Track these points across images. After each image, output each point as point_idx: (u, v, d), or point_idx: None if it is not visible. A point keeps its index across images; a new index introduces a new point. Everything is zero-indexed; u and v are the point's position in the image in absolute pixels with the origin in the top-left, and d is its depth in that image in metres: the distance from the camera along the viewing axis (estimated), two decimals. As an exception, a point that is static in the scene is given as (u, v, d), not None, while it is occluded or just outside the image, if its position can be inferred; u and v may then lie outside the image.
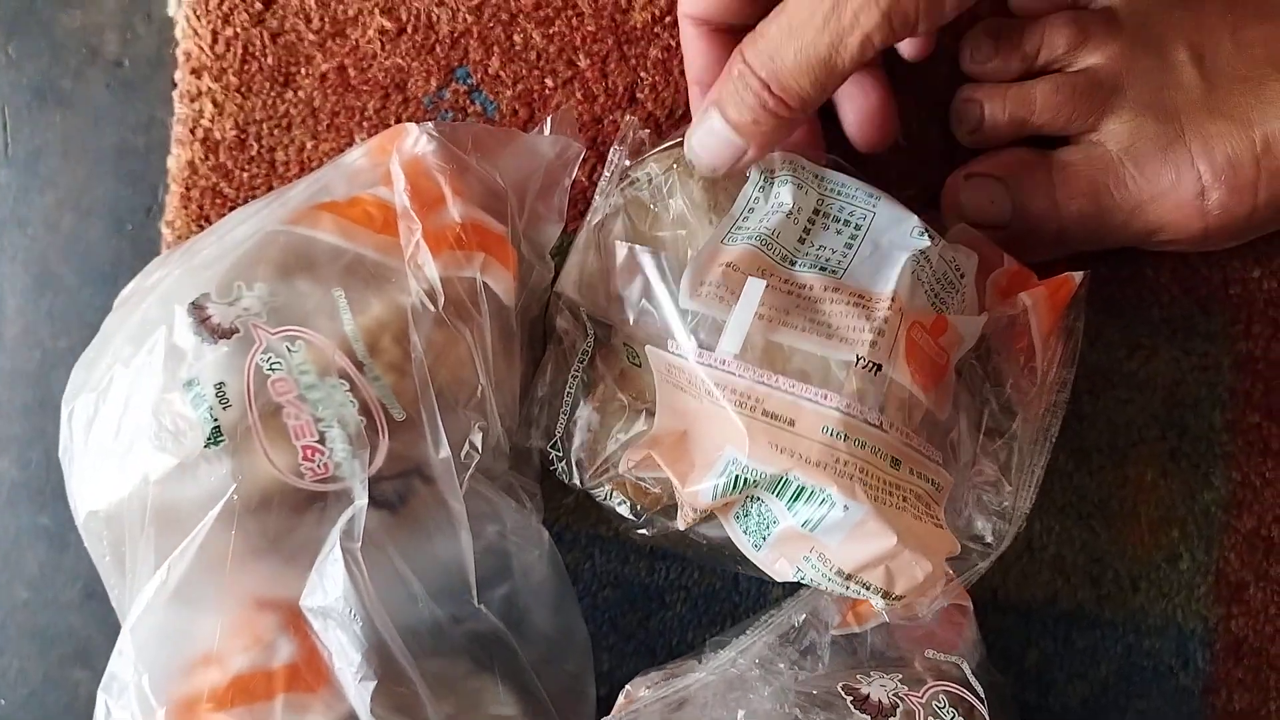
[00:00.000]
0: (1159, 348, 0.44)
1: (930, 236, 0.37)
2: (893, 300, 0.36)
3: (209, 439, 0.32)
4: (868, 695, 0.35)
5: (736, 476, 0.35)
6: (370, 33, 0.45)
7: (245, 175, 0.45)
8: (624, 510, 0.40)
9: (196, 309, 0.33)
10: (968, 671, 0.38)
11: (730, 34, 0.38)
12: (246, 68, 0.45)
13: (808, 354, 0.35)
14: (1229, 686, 0.43)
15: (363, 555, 0.34)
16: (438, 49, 0.45)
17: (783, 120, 0.35)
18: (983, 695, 0.37)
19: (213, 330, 0.33)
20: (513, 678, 0.38)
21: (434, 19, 0.45)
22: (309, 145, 0.45)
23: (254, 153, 0.45)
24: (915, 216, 0.38)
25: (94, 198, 0.47)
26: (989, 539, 0.37)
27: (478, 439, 0.36)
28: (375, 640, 0.34)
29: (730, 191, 0.39)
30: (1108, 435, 0.44)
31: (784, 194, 0.37)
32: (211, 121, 0.45)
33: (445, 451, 0.34)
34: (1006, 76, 0.42)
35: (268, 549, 0.34)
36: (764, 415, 0.35)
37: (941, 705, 0.36)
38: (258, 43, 0.45)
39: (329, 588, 0.33)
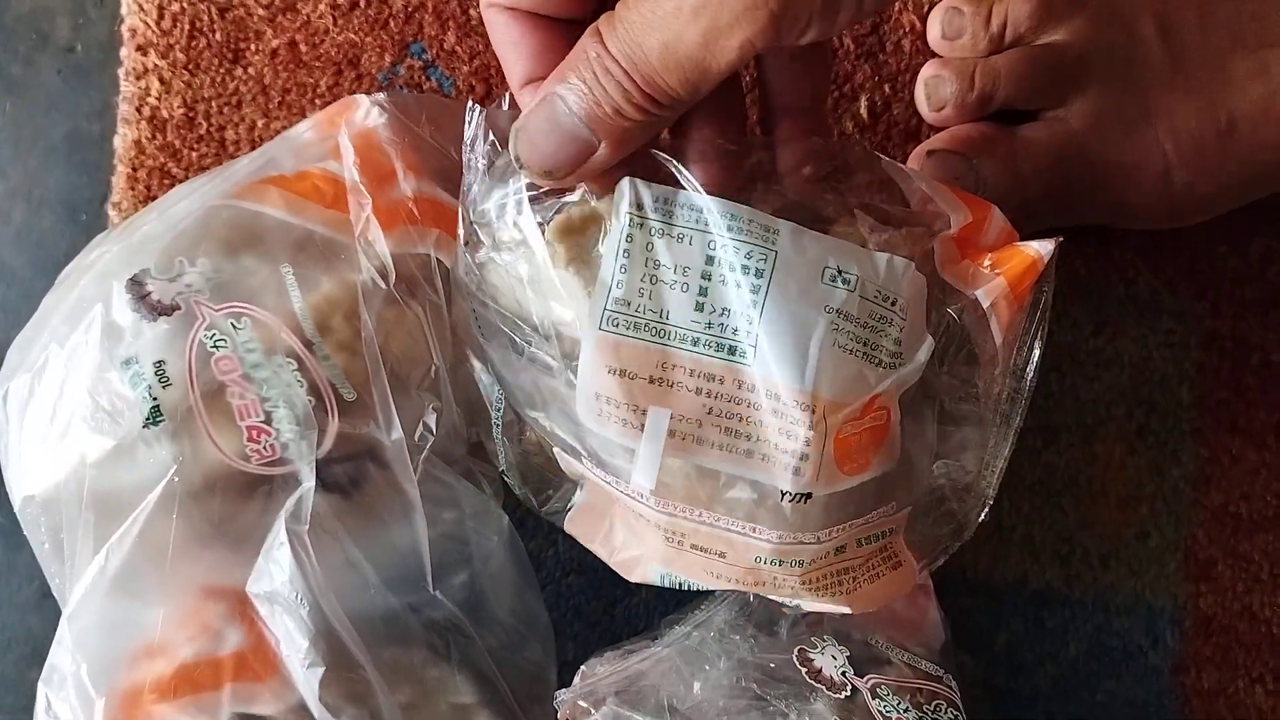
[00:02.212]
0: (1126, 325, 0.43)
1: (845, 281, 0.30)
2: (812, 407, 0.30)
3: (148, 419, 0.31)
4: (820, 668, 0.35)
5: (679, 582, 0.35)
6: (322, 7, 0.44)
7: (194, 155, 0.44)
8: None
9: (135, 285, 0.32)
10: (926, 665, 0.38)
11: (557, 24, 0.31)
12: (194, 44, 0.44)
13: (732, 478, 0.31)
14: (1198, 664, 0.43)
15: (312, 540, 0.33)
16: (391, 24, 0.44)
17: (649, 120, 0.29)
18: (940, 676, 0.37)
19: (152, 307, 0.32)
20: (471, 666, 0.37)
21: (388, -7, 0.44)
22: (260, 123, 0.44)
23: (203, 131, 0.44)
24: (829, 250, 0.30)
25: (46, 187, 0.45)
26: (958, 514, 0.35)
27: (432, 420, 0.35)
28: (324, 626, 0.33)
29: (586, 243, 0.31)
30: (1075, 413, 0.43)
31: (661, 252, 0.30)
32: (159, 100, 0.44)
33: (397, 433, 0.33)
34: (972, 53, 0.42)
35: (213, 535, 0.33)
36: (692, 548, 0.33)
37: (886, 693, 0.35)
38: (205, 18, 0.44)
39: (275, 573, 0.32)
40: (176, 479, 0.31)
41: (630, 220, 0.30)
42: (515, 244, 0.31)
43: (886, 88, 0.44)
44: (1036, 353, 0.33)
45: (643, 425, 0.30)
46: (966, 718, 0.36)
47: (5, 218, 0.45)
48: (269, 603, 0.33)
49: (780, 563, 0.32)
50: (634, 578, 0.35)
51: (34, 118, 0.45)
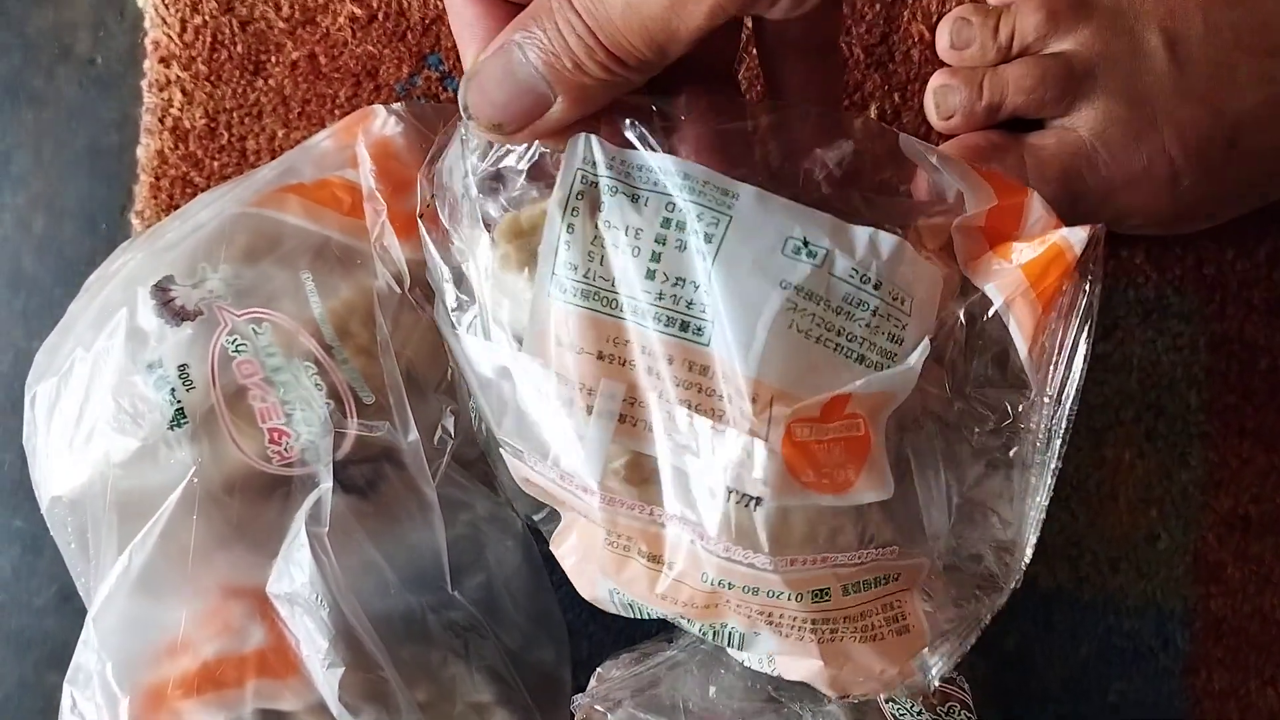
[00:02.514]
0: (1134, 329, 0.44)
1: (811, 254, 0.26)
2: (755, 395, 0.26)
3: (172, 421, 0.32)
4: None
5: (629, 603, 0.31)
6: (341, 20, 0.44)
7: (215, 164, 0.44)
8: None
9: (160, 291, 0.33)
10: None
11: (514, 8, 0.28)
12: (216, 56, 0.45)
13: (680, 472, 0.27)
14: (1209, 666, 0.43)
15: (331, 541, 0.33)
16: (409, 36, 0.44)
17: (613, 79, 0.26)
18: (953, 677, 0.37)
19: (176, 312, 0.33)
20: (488, 666, 0.38)
21: (405, 5, 0.44)
22: (280, 133, 0.44)
23: (224, 141, 0.44)
24: (795, 218, 0.27)
25: (67, 197, 0.46)
26: (994, 570, 0.30)
27: (450, 423, 0.35)
28: (344, 627, 0.33)
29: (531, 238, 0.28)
30: (1084, 417, 0.44)
31: (612, 212, 0.27)
32: (181, 110, 0.45)
33: (414, 435, 0.34)
34: (981, 62, 0.42)
35: (233, 536, 0.33)
36: (640, 555, 0.29)
37: (899, 695, 0.35)
38: (227, 31, 0.45)
39: (295, 574, 0.33)
40: (197, 480, 0.32)
41: (580, 177, 0.27)
42: (473, 237, 0.29)
43: (896, 96, 0.44)
44: (1079, 370, 0.27)
45: (589, 407, 0.27)
46: (978, 719, 0.36)
47: (27, 227, 0.46)
48: (289, 604, 0.34)
49: (731, 586, 0.28)
50: (585, 593, 0.32)
51: (55, 129, 0.46)
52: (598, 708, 0.35)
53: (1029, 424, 0.28)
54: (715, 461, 0.26)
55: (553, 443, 0.28)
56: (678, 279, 0.26)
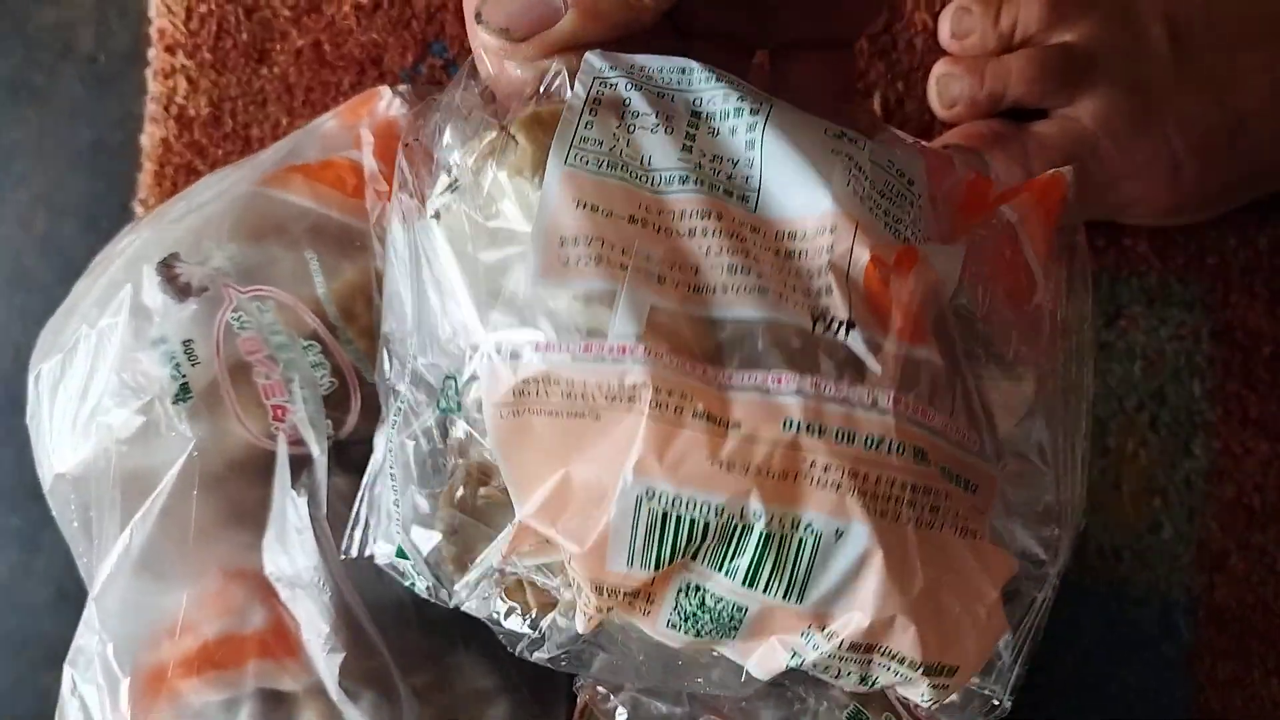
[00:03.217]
0: (1137, 318, 0.44)
1: (851, 139, 0.26)
2: (834, 225, 0.24)
3: (176, 396, 0.32)
4: None
5: (664, 516, 0.23)
6: (345, 8, 0.45)
7: (220, 152, 0.45)
8: (514, 623, 0.28)
9: (165, 268, 0.33)
10: None
11: None
12: (221, 44, 0.45)
13: (740, 325, 0.24)
14: (1213, 655, 0.42)
15: (332, 521, 0.33)
16: (413, 24, 0.45)
17: (629, 7, 0.25)
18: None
19: (181, 289, 0.33)
20: (490, 652, 0.37)
21: (410, -6, 0.45)
22: (284, 121, 0.45)
23: (229, 129, 0.45)
24: (827, 117, 0.26)
25: (68, 195, 0.46)
26: (1040, 553, 0.27)
27: (452, 405, 0.35)
28: (344, 610, 0.33)
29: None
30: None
31: (638, 103, 0.25)
32: (185, 98, 0.45)
33: (418, 415, 0.34)
34: (983, 51, 0.42)
35: (236, 515, 0.33)
36: (695, 418, 0.23)
37: None
38: (232, 19, 0.45)
39: (296, 556, 0.33)
40: (199, 456, 0.32)
41: (598, 82, 0.25)
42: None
43: (900, 85, 0.44)
44: (1089, 307, 0.28)
45: (624, 265, 0.24)
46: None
47: (28, 225, 0.46)
48: (290, 586, 0.34)
49: (821, 431, 0.23)
50: (591, 538, 0.24)
51: (57, 126, 0.46)
52: (600, 690, 0.35)
53: (1045, 366, 0.27)
54: (785, 305, 0.24)
55: (570, 321, 0.24)
56: (715, 156, 0.25)
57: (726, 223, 0.24)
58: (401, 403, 0.28)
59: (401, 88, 0.37)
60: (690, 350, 0.24)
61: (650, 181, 0.25)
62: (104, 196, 0.46)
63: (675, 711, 0.35)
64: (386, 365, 0.29)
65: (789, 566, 0.24)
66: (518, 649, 0.29)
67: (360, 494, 0.29)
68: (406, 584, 0.29)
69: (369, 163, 0.35)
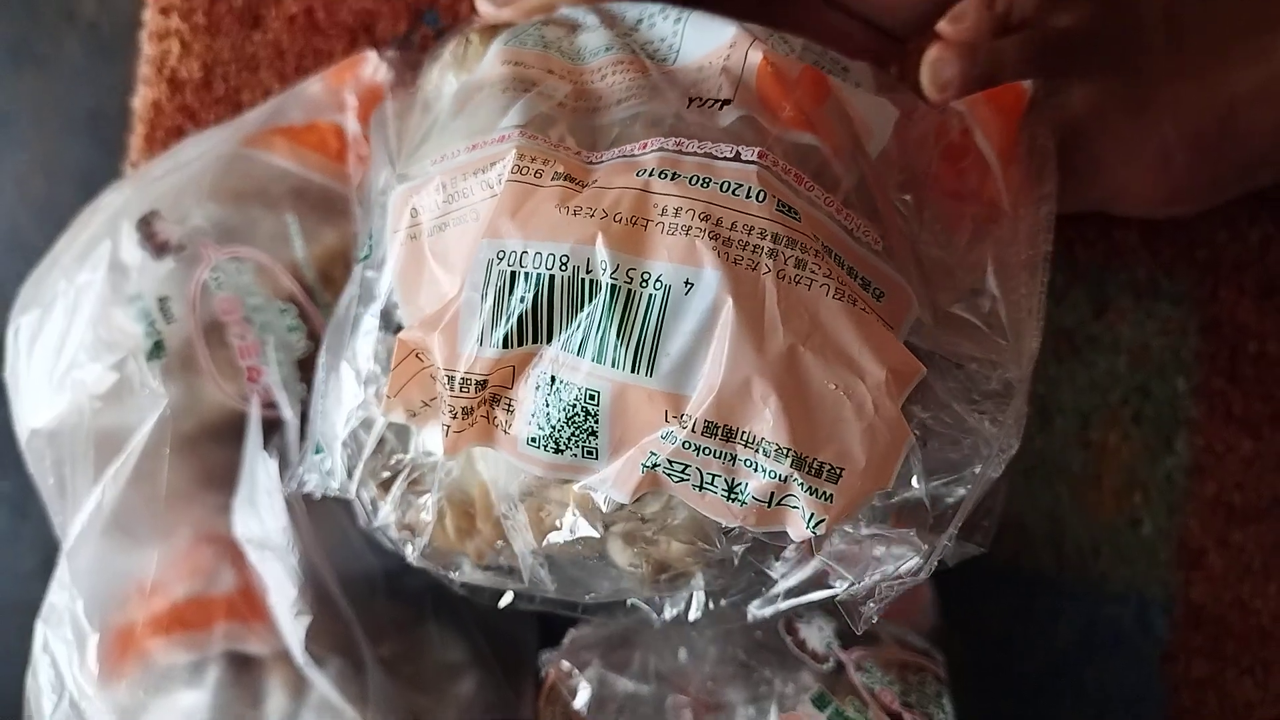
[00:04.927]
0: (1125, 311, 0.44)
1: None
2: (733, 42, 0.25)
3: (150, 353, 0.32)
4: (805, 639, 0.35)
5: (512, 276, 0.22)
6: (340, -25, 0.45)
7: (210, 116, 0.44)
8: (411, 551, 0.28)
9: (144, 225, 0.33)
10: (914, 639, 0.38)
11: None
12: (215, 8, 0.45)
13: (622, 120, 0.24)
14: (1188, 654, 0.42)
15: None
16: (407, -7, 0.45)
17: None
18: (928, 650, 0.37)
19: (159, 246, 0.33)
20: (459, 626, 0.37)
21: (405, -36, 0.44)
22: (275, 87, 0.44)
23: (220, 93, 0.45)
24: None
25: (66, 161, 0.46)
26: (993, 433, 0.25)
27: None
28: (313, 575, 0.33)
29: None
30: (1071, 398, 0.43)
31: (588, 17, 0.27)
32: (179, 61, 0.45)
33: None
34: (978, 35, 0.42)
35: (207, 477, 0.33)
36: (554, 180, 0.23)
37: (871, 666, 0.35)
38: (227, -17, 0.45)
39: (266, 519, 0.33)
40: (171, 414, 0.32)
41: (548, 20, 0.27)
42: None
43: (893, 68, 0.44)
44: (1050, 187, 0.27)
45: (528, 90, 0.25)
46: (953, 696, 0.36)
47: (26, 191, 0.46)
48: (260, 548, 0.34)
49: (675, 176, 0.22)
50: (445, 318, 0.23)
51: (58, 93, 0.46)
52: (566, 665, 0.35)
53: (1000, 245, 0.26)
54: (667, 98, 0.24)
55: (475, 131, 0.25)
56: (645, 41, 0.26)
57: (636, 70, 0.25)
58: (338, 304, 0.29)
59: (389, 53, 0.37)
60: (568, 143, 0.24)
61: (575, 58, 0.26)
62: (102, 162, 0.46)
63: (642, 690, 0.35)
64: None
65: (636, 327, 0.22)
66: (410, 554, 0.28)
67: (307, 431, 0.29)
68: (322, 492, 0.29)
69: (353, 127, 0.35)
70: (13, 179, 0.46)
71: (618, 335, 0.22)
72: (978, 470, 0.24)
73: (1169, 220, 0.43)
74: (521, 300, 0.22)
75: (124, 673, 0.33)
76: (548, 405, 0.23)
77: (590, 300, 0.22)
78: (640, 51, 0.26)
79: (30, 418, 0.34)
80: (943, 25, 0.42)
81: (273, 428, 0.33)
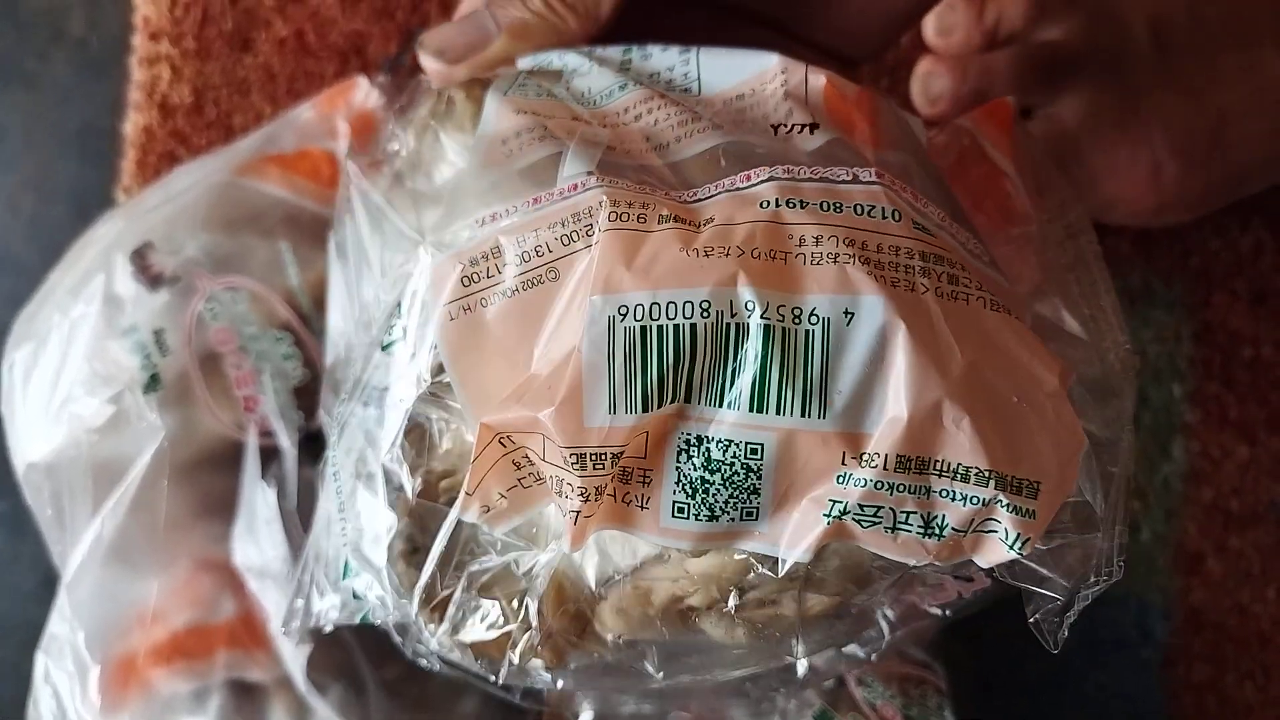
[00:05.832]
0: (1119, 318, 0.44)
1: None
2: (784, 69, 0.24)
3: (146, 386, 0.32)
4: None
5: (642, 333, 0.20)
6: (330, -2, 0.45)
7: (202, 140, 0.44)
8: (479, 632, 0.25)
9: (138, 257, 0.33)
10: (915, 652, 0.38)
11: None
12: (205, 32, 0.45)
13: (699, 155, 0.23)
14: (1188, 659, 0.42)
15: (301, 512, 0.33)
16: (397, 14, 0.45)
17: (552, 18, 0.27)
18: (929, 663, 0.37)
19: (153, 278, 0.33)
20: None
21: (394, -15, 0.44)
22: (267, 110, 0.44)
23: (211, 118, 0.45)
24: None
25: (57, 179, 0.46)
26: (1105, 433, 0.24)
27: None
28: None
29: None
30: (1067, 406, 0.43)
31: (569, 60, 0.26)
32: (169, 86, 0.45)
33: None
34: (967, 49, 0.42)
35: (206, 506, 0.33)
36: (662, 221, 0.21)
37: (871, 680, 0.35)
38: (217, 7, 0.45)
39: (265, 547, 0.33)
40: (169, 445, 0.32)
41: (530, 61, 0.27)
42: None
43: (884, 80, 0.44)
44: (1067, 192, 0.26)
45: (570, 134, 0.23)
46: (954, 707, 0.36)
47: (16, 209, 0.46)
48: (259, 577, 0.34)
49: (803, 205, 0.21)
50: (561, 392, 0.20)
51: (47, 111, 0.46)
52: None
53: (1045, 246, 0.25)
54: (743, 130, 0.24)
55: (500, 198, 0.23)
56: (651, 73, 0.25)
57: (672, 104, 0.24)
58: (339, 418, 0.26)
59: (380, 79, 0.37)
60: (647, 183, 0.22)
61: (590, 103, 0.24)
62: (92, 181, 0.46)
63: (644, 709, 0.35)
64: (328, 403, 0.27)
65: (800, 367, 0.20)
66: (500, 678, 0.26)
67: (301, 562, 0.28)
68: (360, 618, 0.26)
69: (343, 153, 0.35)
70: (3, 197, 0.46)
71: (780, 379, 0.20)
72: (1115, 470, 0.23)
73: (1162, 228, 0.43)
74: (660, 357, 0.20)
75: (126, 703, 0.33)
76: (696, 469, 0.21)
77: (740, 346, 0.20)
78: (660, 86, 0.25)
79: (27, 451, 0.34)
80: (933, 39, 0.42)
81: (270, 456, 0.33)
